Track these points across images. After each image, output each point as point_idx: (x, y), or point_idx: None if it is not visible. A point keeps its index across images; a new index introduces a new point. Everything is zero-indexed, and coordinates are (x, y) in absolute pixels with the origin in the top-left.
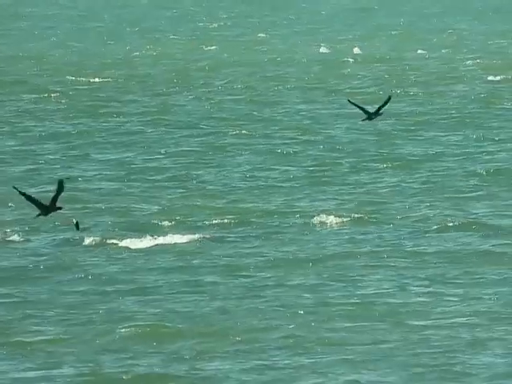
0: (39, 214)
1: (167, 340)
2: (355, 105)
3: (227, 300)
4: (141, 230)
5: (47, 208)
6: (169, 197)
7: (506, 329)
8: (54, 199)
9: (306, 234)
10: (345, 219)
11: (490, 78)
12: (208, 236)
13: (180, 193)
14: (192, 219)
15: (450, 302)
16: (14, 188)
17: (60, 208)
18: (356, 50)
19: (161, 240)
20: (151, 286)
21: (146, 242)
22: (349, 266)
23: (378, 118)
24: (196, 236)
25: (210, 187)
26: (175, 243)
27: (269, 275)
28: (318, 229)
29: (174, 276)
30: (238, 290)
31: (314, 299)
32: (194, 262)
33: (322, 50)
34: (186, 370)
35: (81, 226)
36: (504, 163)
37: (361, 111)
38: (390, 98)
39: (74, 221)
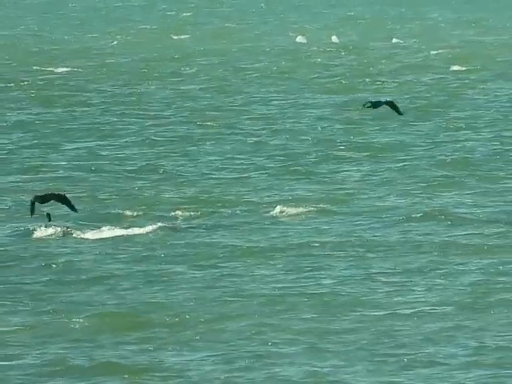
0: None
1: (132, 330)
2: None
3: (193, 290)
4: (107, 220)
5: (44, 197)
6: (136, 186)
7: (470, 318)
8: (59, 196)
9: (273, 224)
10: (312, 209)
11: (458, 67)
12: (175, 226)
13: (147, 182)
14: (159, 209)
15: (415, 292)
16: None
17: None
18: (334, 39)
19: (127, 230)
20: (117, 275)
21: (113, 232)
22: (315, 256)
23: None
24: (163, 225)
25: (178, 177)
26: (142, 233)
27: (235, 265)
28: (285, 218)
29: (140, 266)
30: (205, 280)
31: (280, 289)
32: (161, 251)
33: (299, 39)
34: (150, 360)
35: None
36: (471, 152)
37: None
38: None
39: (45, 212)
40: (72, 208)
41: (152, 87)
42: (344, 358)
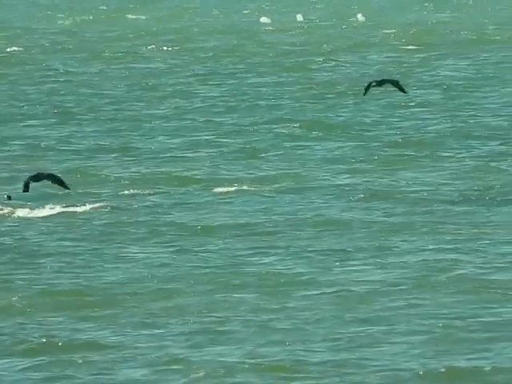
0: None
1: (84, 307)
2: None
3: (144, 268)
4: (58, 198)
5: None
6: (87, 164)
7: (423, 295)
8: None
9: (225, 202)
10: (265, 187)
11: (414, 46)
12: (126, 204)
13: (99, 160)
14: (111, 187)
15: (368, 270)
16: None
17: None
18: (299, 18)
19: (78, 208)
20: (68, 253)
21: (64, 210)
22: (268, 234)
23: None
24: (114, 204)
25: (130, 155)
26: (93, 211)
27: (187, 243)
28: (237, 196)
29: (91, 244)
30: (156, 258)
31: (232, 266)
32: (112, 229)
33: (263, 19)
34: (102, 338)
35: None
36: (423, 131)
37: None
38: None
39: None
40: (63, 185)
41: (104, 66)
42: (297, 336)
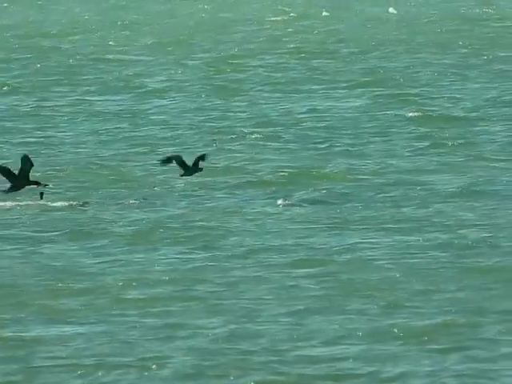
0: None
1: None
2: None
3: (57, 265)
4: None
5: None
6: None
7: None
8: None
9: (154, 202)
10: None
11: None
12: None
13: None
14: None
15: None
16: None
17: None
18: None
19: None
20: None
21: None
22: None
23: None
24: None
25: (46, 149)
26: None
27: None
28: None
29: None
30: (89, 251)
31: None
32: (28, 225)
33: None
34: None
35: None
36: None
37: None
38: None
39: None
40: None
41: (28, 59)
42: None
